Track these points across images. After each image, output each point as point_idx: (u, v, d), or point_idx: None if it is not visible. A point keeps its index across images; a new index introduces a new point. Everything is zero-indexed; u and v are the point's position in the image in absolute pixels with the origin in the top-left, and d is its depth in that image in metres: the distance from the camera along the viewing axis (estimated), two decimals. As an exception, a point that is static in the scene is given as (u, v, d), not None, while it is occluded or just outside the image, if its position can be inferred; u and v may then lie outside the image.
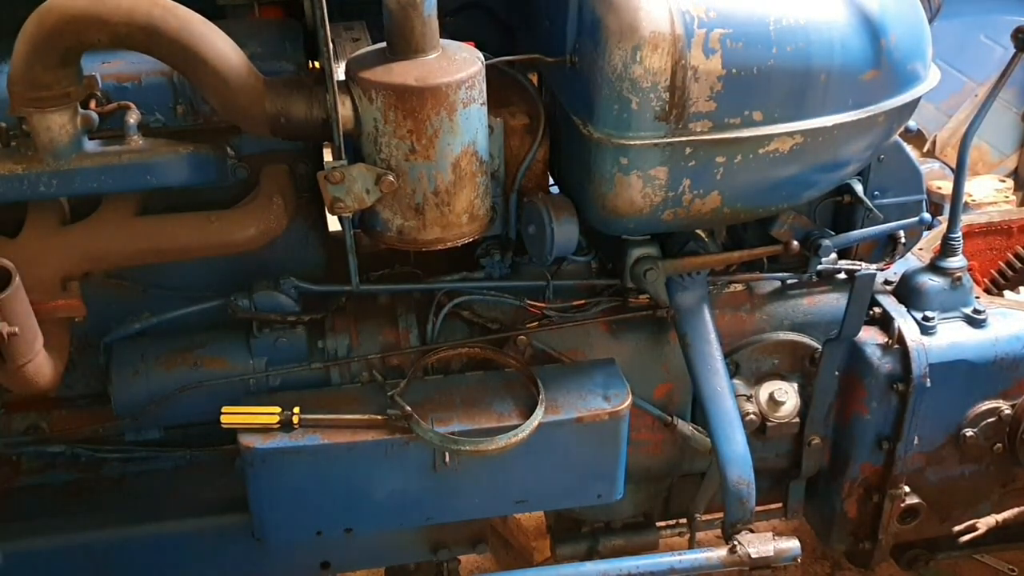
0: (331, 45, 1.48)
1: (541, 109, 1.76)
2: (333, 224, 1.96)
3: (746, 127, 1.62)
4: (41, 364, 1.51)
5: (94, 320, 1.73)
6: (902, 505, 2.18)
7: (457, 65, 1.53)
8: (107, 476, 1.82)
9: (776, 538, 1.81)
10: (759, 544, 1.80)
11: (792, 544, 1.80)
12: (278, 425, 1.61)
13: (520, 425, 1.66)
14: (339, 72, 1.55)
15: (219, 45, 1.48)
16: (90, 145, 1.57)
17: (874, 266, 2.08)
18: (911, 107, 1.75)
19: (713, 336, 1.89)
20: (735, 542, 1.80)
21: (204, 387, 1.73)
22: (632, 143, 1.59)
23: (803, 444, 2.15)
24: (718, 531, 2.08)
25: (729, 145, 1.62)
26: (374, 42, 1.71)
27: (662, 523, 2.28)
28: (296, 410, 1.63)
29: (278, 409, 1.62)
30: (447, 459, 1.65)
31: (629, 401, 1.74)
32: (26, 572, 1.72)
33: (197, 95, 1.66)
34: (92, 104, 1.60)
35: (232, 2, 1.85)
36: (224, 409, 1.61)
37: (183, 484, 1.79)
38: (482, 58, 1.58)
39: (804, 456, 2.17)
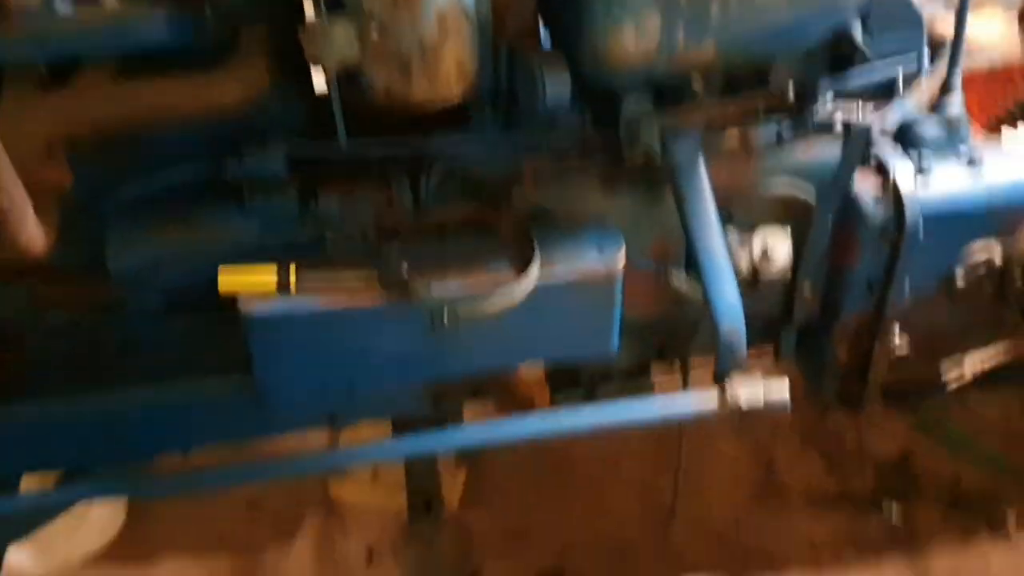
0: None
1: (529, -46, 1.69)
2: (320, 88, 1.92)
3: (742, -32, 1.56)
4: (34, 232, 1.51)
5: (84, 189, 1.72)
6: (892, 349, 2.23)
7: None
8: (110, 345, 1.84)
9: (765, 381, 1.85)
10: (748, 387, 1.84)
11: (784, 392, 1.84)
12: (275, 287, 1.62)
13: (515, 284, 1.67)
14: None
15: None
16: (63, 7, 1.52)
17: (871, 111, 2.05)
18: None
19: (708, 191, 1.87)
20: (725, 386, 1.84)
21: (199, 251, 1.73)
22: (625, -11, 1.54)
23: (795, 293, 2.18)
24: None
25: (729, -16, 1.56)
26: None
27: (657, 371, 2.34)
28: (292, 269, 1.63)
29: (274, 267, 1.62)
30: (445, 320, 1.67)
31: (623, 257, 1.74)
32: (32, 443, 1.77)
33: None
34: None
35: None
36: (221, 269, 1.62)
37: (189, 349, 1.81)
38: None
39: (796, 304, 2.21)
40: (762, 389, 1.83)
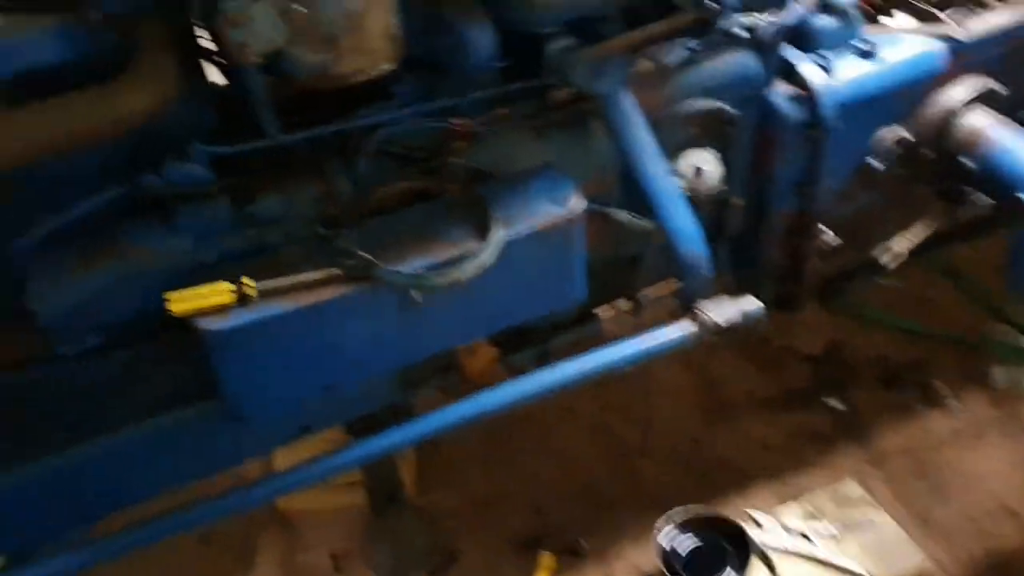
0: None
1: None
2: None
3: None
4: None
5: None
6: (822, 244, 2.29)
7: None
8: (47, 399, 1.67)
9: (733, 299, 1.87)
10: (721, 309, 1.85)
11: (754, 303, 1.86)
12: (234, 301, 1.50)
13: (481, 248, 1.60)
14: None
15: None
16: (-68, 33, 1.34)
17: (769, 16, 2.08)
18: None
19: (640, 119, 1.86)
20: (696, 311, 1.84)
21: (134, 279, 1.58)
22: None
23: (725, 206, 2.20)
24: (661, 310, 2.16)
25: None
26: None
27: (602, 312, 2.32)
28: (247, 281, 1.51)
29: (229, 285, 1.50)
30: (417, 298, 1.59)
31: (579, 201, 1.71)
32: None
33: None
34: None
35: None
36: (169, 296, 1.48)
37: (136, 384, 1.66)
38: None
39: (727, 217, 2.23)
40: (736, 306, 1.85)
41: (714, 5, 1.86)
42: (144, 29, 1.52)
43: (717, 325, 1.81)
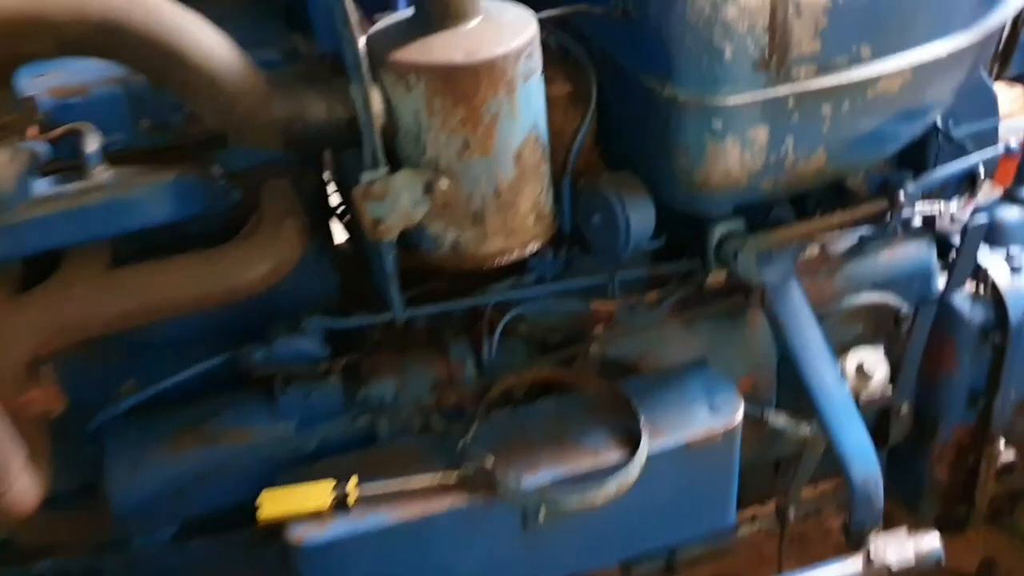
0: (352, 20, 1.13)
1: (592, 72, 1.44)
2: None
3: (854, 66, 1.33)
4: (24, 487, 1.15)
5: (73, 399, 1.36)
6: (999, 462, 1.99)
7: (509, 29, 1.20)
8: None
9: (913, 537, 1.58)
10: (896, 548, 1.55)
11: (933, 543, 1.56)
12: (331, 506, 1.28)
13: (626, 462, 1.36)
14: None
15: (202, 38, 1.12)
16: (41, 186, 1.20)
17: (954, 206, 1.85)
18: None
19: (810, 314, 1.63)
20: (869, 548, 1.55)
21: (225, 467, 1.38)
22: (727, 102, 1.29)
23: (891, 413, 1.93)
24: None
25: (837, 91, 1.33)
26: (363, 12, 1.37)
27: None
28: (352, 482, 1.30)
29: (331, 483, 1.29)
30: (541, 518, 1.34)
31: (741, 409, 1.46)
32: None
33: (164, 104, 1.29)
34: (32, 132, 1.22)
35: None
36: (261, 498, 1.28)
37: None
38: (533, 15, 1.25)
39: (892, 426, 1.95)
40: (911, 544, 1.55)
41: (897, 195, 1.64)
42: (269, 187, 1.37)
43: (890, 570, 1.51)
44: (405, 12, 1.25)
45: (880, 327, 1.85)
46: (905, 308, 1.83)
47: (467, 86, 1.16)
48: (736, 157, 1.34)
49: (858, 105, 1.36)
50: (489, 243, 1.28)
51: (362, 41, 1.21)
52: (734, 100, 1.28)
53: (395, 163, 1.22)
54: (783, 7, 1.25)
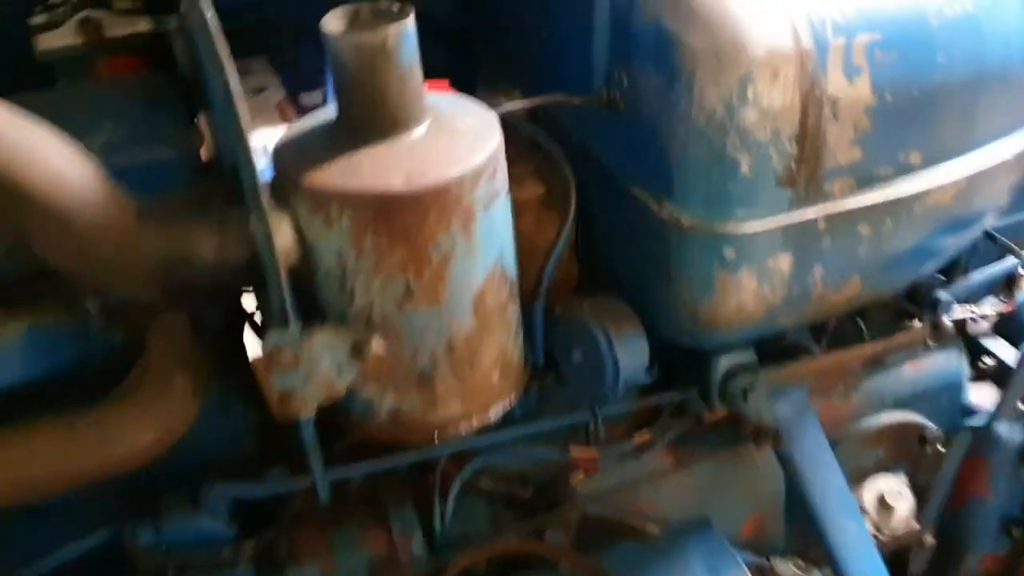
0: (245, 127, 0.83)
1: (570, 175, 1.16)
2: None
3: (901, 177, 1.06)
4: None
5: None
6: (1034, 598, 1.74)
7: (464, 141, 0.91)
8: None
9: None
10: None
11: None
12: None
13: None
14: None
15: (49, 157, 0.82)
16: None
17: (989, 308, 1.59)
18: None
19: (829, 455, 1.37)
20: None
21: None
22: (742, 229, 1.01)
23: (914, 544, 1.67)
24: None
25: (878, 209, 1.06)
26: (287, 90, 1.09)
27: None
28: None
29: None
30: None
31: (750, 588, 1.18)
32: None
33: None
34: None
35: (58, 55, 1.16)
36: None
37: None
38: (496, 117, 0.97)
39: (912, 556, 1.69)
40: None
41: (935, 309, 1.38)
42: (159, 325, 1.06)
43: None
44: (329, 110, 0.96)
45: (903, 450, 1.59)
46: (932, 428, 1.57)
47: (409, 220, 0.87)
48: (752, 290, 1.06)
49: (903, 222, 1.09)
50: (440, 409, 0.98)
51: (271, 147, 0.92)
52: (751, 227, 1.01)
53: (314, 311, 0.92)
54: (816, 107, 0.98)
